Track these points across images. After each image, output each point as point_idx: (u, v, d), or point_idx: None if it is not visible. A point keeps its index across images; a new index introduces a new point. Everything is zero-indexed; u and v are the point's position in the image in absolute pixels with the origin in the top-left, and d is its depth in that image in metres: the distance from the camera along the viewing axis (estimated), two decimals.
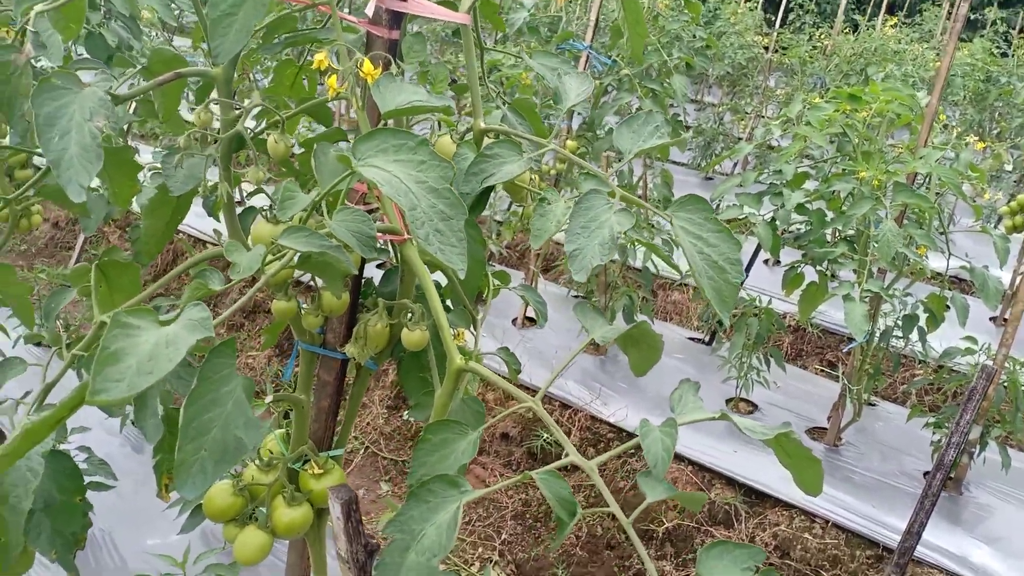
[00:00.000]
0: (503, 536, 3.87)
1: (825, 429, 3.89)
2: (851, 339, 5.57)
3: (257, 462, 1.30)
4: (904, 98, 3.03)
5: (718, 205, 5.26)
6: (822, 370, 4.87)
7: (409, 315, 1.16)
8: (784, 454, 0.90)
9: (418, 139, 0.87)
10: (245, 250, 0.97)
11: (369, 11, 1.10)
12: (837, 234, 3.34)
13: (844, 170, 3.04)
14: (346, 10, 1.25)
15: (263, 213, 1.16)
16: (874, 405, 4.21)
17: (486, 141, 1.23)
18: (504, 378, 1.03)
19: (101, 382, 0.71)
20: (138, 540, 2.85)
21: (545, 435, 4.07)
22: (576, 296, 5.18)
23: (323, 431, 1.41)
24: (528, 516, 3.97)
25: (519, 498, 4.07)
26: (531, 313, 5.02)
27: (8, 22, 1.37)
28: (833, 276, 3.59)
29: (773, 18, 10.49)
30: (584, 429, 4.12)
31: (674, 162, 8.86)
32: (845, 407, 3.67)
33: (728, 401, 4.11)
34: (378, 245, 0.97)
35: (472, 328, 1.34)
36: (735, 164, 8.13)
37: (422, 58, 1.28)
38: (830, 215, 3.17)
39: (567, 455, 0.88)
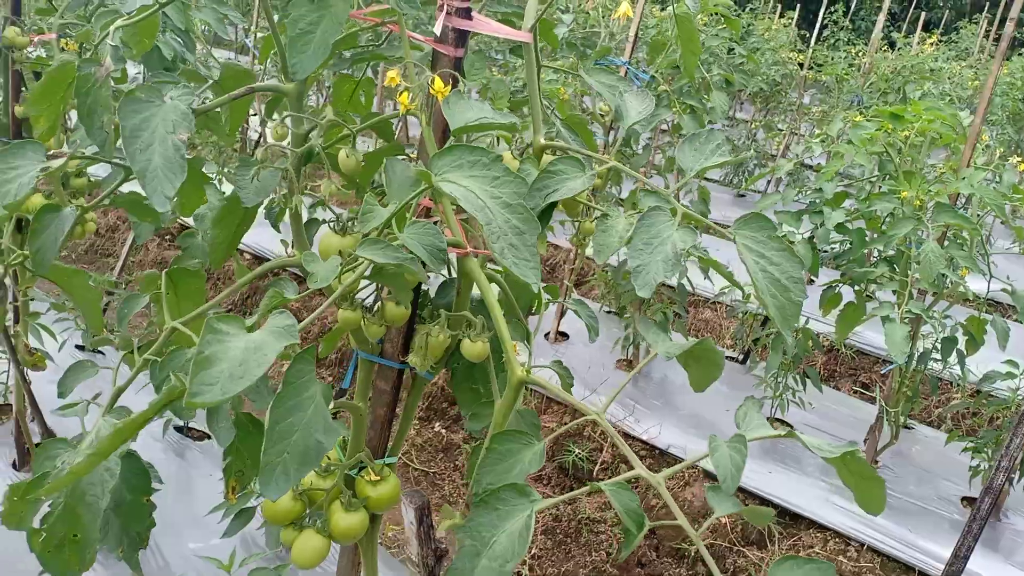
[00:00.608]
0: (532, 551, 3.88)
1: (861, 451, 3.85)
2: (887, 361, 5.54)
3: (315, 468, 1.33)
4: (946, 118, 3.02)
5: None
6: (857, 391, 4.83)
7: (469, 327, 1.19)
8: (847, 472, 0.91)
9: (492, 156, 0.90)
10: (320, 261, 1.00)
11: (437, 30, 1.13)
12: (877, 254, 3.32)
13: (885, 190, 3.03)
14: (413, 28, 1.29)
15: (331, 225, 1.19)
16: (911, 428, 4.17)
17: (545, 157, 1.25)
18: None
19: (197, 385, 0.74)
20: (180, 544, 2.89)
21: (577, 450, 4.07)
22: (608, 311, 5.19)
23: (379, 439, 1.43)
24: (558, 532, 3.97)
25: (549, 513, 4.07)
26: (563, 328, 5.03)
27: (85, 38, 1.42)
28: (870, 296, 3.57)
29: (807, 35, 10.47)
30: (617, 446, 4.12)
31: (706, 179, 8.86)
32: (882, 429, 3.64)
33: None
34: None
35: (526, 341, 1.36)
36: (768, 182, 8.10)
37: (483, 75, 1.31)
38: (870, 235, 3.15)
39: (632, 469, 0.90)
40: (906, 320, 2.90)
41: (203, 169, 1.37)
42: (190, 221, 1.83)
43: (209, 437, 3.49)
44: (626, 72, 3.91)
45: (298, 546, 1.32)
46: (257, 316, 1.03)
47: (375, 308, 1.25)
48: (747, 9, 11.39)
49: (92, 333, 1.44)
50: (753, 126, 8.77)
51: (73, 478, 0.90)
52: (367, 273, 1.03)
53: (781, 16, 11.68)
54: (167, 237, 6.23)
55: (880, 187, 3.08)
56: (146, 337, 1.33)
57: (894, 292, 3.16)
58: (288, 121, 1.19)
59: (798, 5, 11.61)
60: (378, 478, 1.35)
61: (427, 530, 1.04)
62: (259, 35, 6.32)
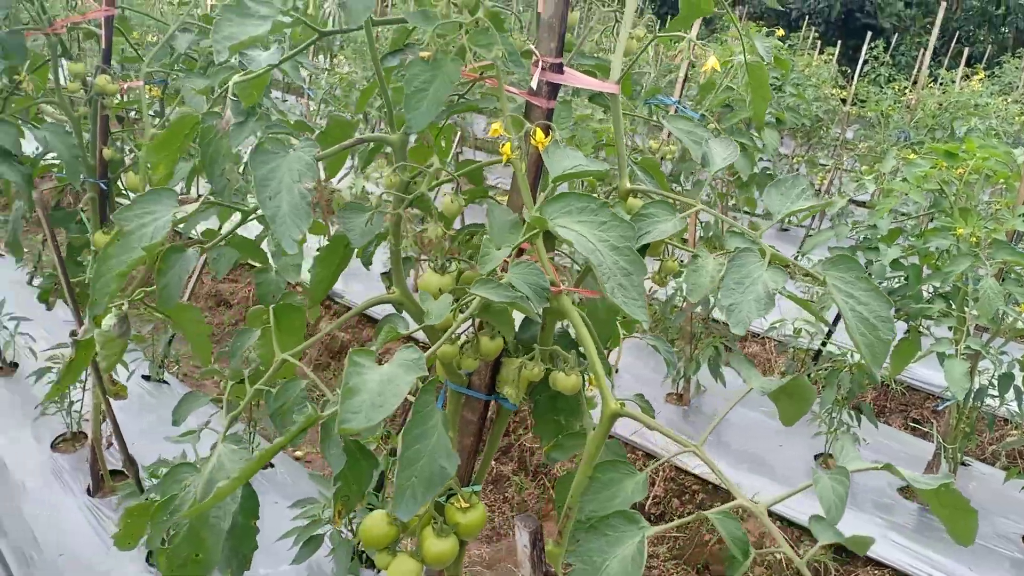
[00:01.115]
0: None
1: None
2: (938, 397, 5.49)
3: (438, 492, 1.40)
4: (1000, 155, 3.05)
5: (796, 257, 5.28)
6: (912, 427, 4.78)
7: (564, 361, 1.25)
8: (939, 504, 0.96)
9: (600, 202, 0.97)
10: (432, 299, 1.08)
11: (534, 84, 1.21)
12: (932, 290, 3.33)
13: (939, 226, 3.05)
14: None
15: (432, 265, 1.27)
16: (967, 465, 4.12)
17: (631, 200, 1.33)
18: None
19: (345, 413, 0.82)
20: (252, 571, 2.96)
21: None
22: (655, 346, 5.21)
23: (466, 467, 1.50)
24: None
25: None
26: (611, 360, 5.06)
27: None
28: (924, 332, 3.57)
29: (848, 70, 10.49)
30: (669, 480, 4.13)
31: (745, 212, 8.88)
32: (939, 466, 3.61)
33: (817, 457, 4.08)
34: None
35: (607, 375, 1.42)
36: (813, 217, 8.09)
37: (569, 124, 1.39)
38: (926, 271, 3.17)
39: (734, 498, 0.95)
40: (964, 356, 2.90)
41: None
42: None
43: (272, 465, 3.57)
44: (675, 110, 3.99)
45: (393, 569, 1.39)
46: (376, 346, 1.11)
47: (469, 342, 1.33)
48: (787, 45, 11.45)
49: (202, 364, 1.53)
50: (795, 161, 8.78)
51: (219, 499, 0.97)
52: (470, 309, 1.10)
53: (821, 52, 11.72)
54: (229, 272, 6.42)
55: (934, 223, 3.10)
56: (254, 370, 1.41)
57: (949, 328, 3.16)
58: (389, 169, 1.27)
59: (839, 42, 11.65)
60: (467, 505, 1.41)
61: (539, 554, 1.09)
62: (311, 76, 6.53)
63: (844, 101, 8.41)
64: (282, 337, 1.43)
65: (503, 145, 1.14)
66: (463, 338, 1.37)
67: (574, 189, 1.43)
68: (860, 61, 8.59)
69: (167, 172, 1.37)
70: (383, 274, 1.39)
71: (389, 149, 1.28)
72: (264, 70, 1.26)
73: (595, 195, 1.01)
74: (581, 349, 1.45)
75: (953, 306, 3.13)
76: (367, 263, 1.52)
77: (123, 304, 1.29)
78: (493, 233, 1.11)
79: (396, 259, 1.32)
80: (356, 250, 1.45)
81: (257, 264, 1.57)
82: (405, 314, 1.38)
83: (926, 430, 4.82)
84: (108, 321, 1.29)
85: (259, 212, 1.32)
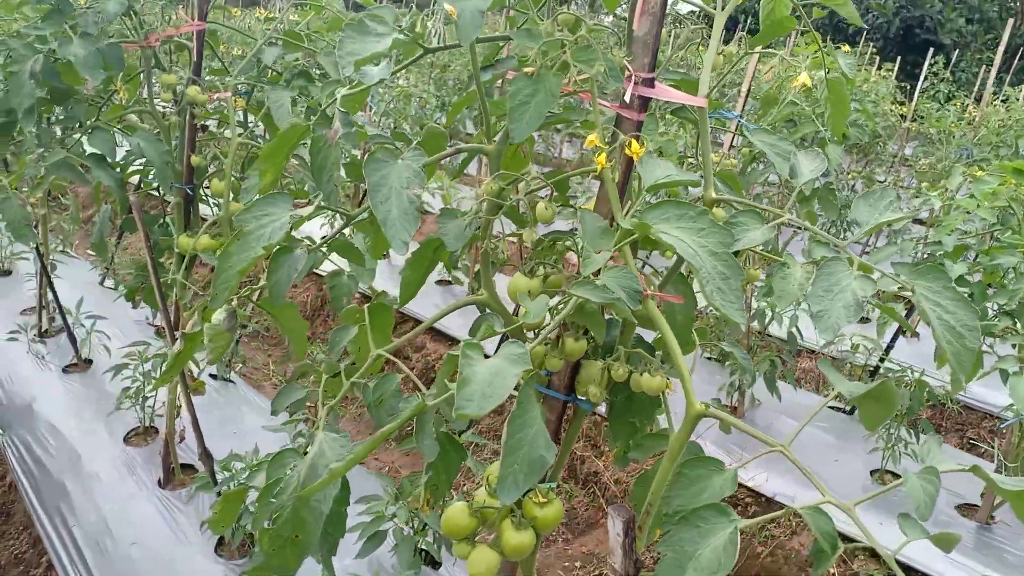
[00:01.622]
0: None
1: (975, 506, 3.78)
2: (995, 417, 5.39)
3: (487, 488, 1.46)
4: None
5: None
6: (972, 445, 4.71)
7: (647, 363, 1.31)
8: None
9: (698, 209, 1.03)
10: (529, 300, 1.14)
11: (627, 98, 1.28)
12: (996, 307, 3.30)
13: (1007, 244, 3.03)
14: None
15: (522, 268, 1.33)
16: None
17: (717, 211, 1.38)
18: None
19: (461, 400, 0.88)
20: (311, 564, 3.05)
21: None
22: (708, 358, 5.22)
23: None
24: None
25: (650, 555, 4.10)
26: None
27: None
28: (987, 350, 3.53)
29: (907, 86, 10.36)
30: None
31: (798, 227, 8.79)
32: None
33: (873, 472, 4.05)
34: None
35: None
36: (869, 235, 8.00)
37: (655, 136, 1.44)
38: (991, 289, 3.15)
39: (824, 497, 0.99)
40: None
41: None
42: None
43: None
44: (737, 125, 4.02)
45: (474, 558, 1.45)
46: (480, 344, 1.17)
47: (552, 344, 1.39)
48: None
49: (297, 358, 1.62)
50: (851, 177, 8.70)
51: (331, 480, 1.04)
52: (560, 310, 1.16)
53: (879, 68, 11.59)
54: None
55: (997, 241, 3.08)
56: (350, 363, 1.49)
57: (1013, 346, 3.13)
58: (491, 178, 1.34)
59: (898, 57, 11.51)
60: (545, 500, 1.47)
61: (631, 542, 1.15)
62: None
63: (903, 117, 8.32)
64: (375, 334, 1.50)
65: (597, 156, 1.20)
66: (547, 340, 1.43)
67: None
68: (921, 77, 8.49)
69: (274, 179, 1.46)
70: (474, 277, 1.45)
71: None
72: (374, 83, 1.34)
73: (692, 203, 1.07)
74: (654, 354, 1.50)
75: (1019, 324, 3.10)
76: (453, 267, 1.59)
77: (233, 300, 1.38)
78: (587, 239, 1.17)
79: (485, 263, 1.39)
80: (443, 253, 1.52)
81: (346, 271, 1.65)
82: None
83: (984, 447, 4.74)
84: (218, 316, 1.38)
85: (359, 218, 1.40)
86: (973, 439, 5.20)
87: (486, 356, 0.99)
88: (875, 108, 7.69)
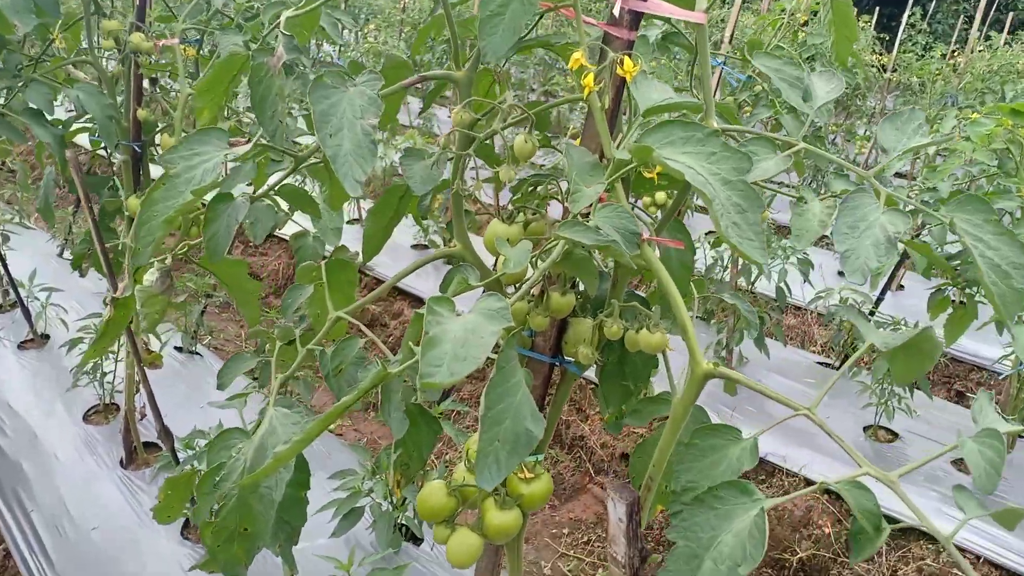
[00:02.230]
0: None
1: None
2: (982, 368, 5.32)
3: (467, 463, 1.30)
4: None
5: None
6: (962, 396, 4.62)
7: (647, 318, 1.15)
8: None
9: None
10: (510, 247, 0.97)
11: (616, 11, 1.10)
12: None
13: (1005, 188, 2.90)
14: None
15: (499, 214, 1.16)
16: (1022, 436, 3.97)
17: None
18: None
19: (426, 366, 0.71)
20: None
21: None
22: (695, 317, 5.09)
23: None
24: (650, 539, 3.89)
25: None
26: None
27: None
28: (979, 302, 3.42)
29: (885, 37, 10.19)
30: None
31: (779, 184, 8.67)
32: None
33: (866, 429, 3.95)
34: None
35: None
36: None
37: (647, 59, 1.27)
38: None
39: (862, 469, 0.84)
40: None
41: None
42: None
43: None
44: (720, 72, 3.84)
45: (453, 543, 1.29)
46: (451, 298, 1.00)
47: (535, 299, 1.22)
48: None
49: (251, 324, 1.43)
50: (832, 130, 8.55)
51: (278, 465, 0.88)
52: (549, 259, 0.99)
53: (857, 19, 11.39)
54: (251, 244, 6.34)
55: (1001, 185, 2.94)
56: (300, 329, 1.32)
57: None
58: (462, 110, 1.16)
59: (877, 8, 11.33)
60: (532, 475, 1.32)
61: (635, 528, 0.99)
62: (339, 49, 6.41)
63: (883, 68, 8.16)
64: (334, 295, 1.33)
65: (584, 77, 1.02)
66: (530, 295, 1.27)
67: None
68: (901, 27, 8.32)
69: (211, 117, 1.27)
70: (446, 226, 1.28)
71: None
72: (318, 3, 1.16)
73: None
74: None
75: None
76: (422, 216, 1.42)
77: (166, 259, 1.19)
78: (573, 174, 1.00)
79: (458, 209, 1.21)
80: (410, 203, 1.35)
81: (299, 226, 1.47)
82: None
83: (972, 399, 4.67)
84: (149, 277, 1.19)
85: (312, 161, 1.22)
86: (960, 392, 5.13)
87: (458, 314, 0.82)
88: (855, 59, 7.52)
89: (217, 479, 1.08)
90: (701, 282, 1.40)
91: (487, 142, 1.27)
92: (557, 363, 1.36)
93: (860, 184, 1.03)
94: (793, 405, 0.93)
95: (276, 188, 1.24)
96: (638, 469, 1.24)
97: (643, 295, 1.39)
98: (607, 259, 1.58)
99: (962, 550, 3.31)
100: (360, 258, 1.37)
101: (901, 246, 3.16)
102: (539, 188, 1.33)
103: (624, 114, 1.32)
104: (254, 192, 1.20)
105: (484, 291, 0.83)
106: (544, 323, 1.20)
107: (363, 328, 1.12)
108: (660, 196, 1.21)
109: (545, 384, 1.39)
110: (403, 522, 2.65)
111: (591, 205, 0.99)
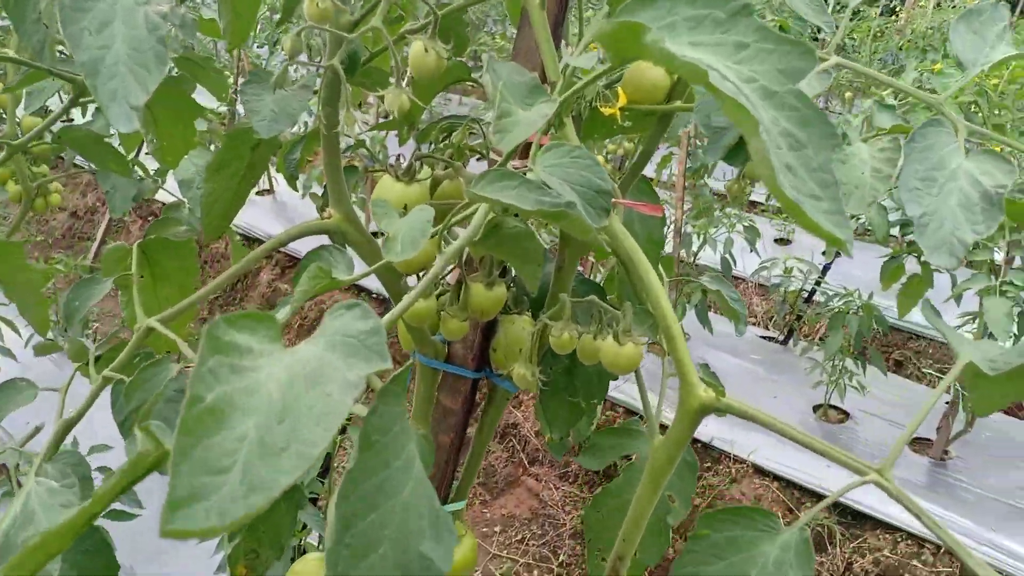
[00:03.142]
0: (560, 557, 3.50)
1: (927, 441, 3.48)
2: (920, 336, 5.18)
3: None
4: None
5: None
6: (929, 374, 4.44)
7: (608, 323, 0.78)
8: None
9: (732, 4, 0.48)
10: (397, 216, 0.59)
11: None
12: None
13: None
14: None
15: (390, 169, 0.78)
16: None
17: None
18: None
19: (183, 489, 0.33)
20: (160, 573, 2.49)
21: None
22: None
23: (441, 476, 1.02)
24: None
25: (577, 515, 3.69)
26: None
27: None
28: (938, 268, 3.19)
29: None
30: None
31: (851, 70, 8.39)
32: (955, 416, 3.27)
33: (816, 408, 3.71)
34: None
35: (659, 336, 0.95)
36: None
37: None
38: None
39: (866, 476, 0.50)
40: (1008, 294, 2.51)
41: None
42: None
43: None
44: None
45: None
46: (287, 311, 0.62)
47: (449, 294, 0.84)
48: None
49: (38, 332, 1.00)
50: None
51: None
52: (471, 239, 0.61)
53: None
54: (149, 217, 5.76)
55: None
56: (112, 340, 0.92)
57: (969, 264, 2.78)
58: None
59: None
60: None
61: None
62: None
63: (817, 32, 7.96)
64: (158, 289, 0.93)
65: None
66: (441, 287, 0.89)
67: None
68: None
69: None
70: (321, 194, 0.89)
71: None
72: None
73: None
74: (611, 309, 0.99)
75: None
76: (291, 174, 1.02)
77: None
78: (502, 96, 0.62)
79: (333, 160, 0.82)
80: (270, 156, 0.95)
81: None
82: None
83: (911, 369, 4.51)
84: None
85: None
86: (899, 361, 4.98)
87: (287, 346, 0.44)
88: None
89: None
90: (670, 262, 1.05)
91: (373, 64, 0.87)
92: (484, 377, 0.99)
93: (935, 116, 0.68)
94: (857, 467, 0.58)
95: (56, 132, 0.82)
96: (596, 531, 0.88)
97: (596, 282, 1.03)
98: (548, 230, 1.20)
99: (921, 539, 3.10)
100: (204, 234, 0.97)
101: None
102: (454, 136, 0.95)
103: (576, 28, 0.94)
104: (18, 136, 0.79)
105: (387, 302, 0.45)
106: (462, 329, 0.83)
107: (183, 345, 0.72)
108: (628, 145, 0.84)
109: (467, 406, 1.01)
110: None
111: (528, 149, 0.62)
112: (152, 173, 1.59)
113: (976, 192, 0.63)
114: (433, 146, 0.97)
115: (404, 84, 0.69)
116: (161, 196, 2.25)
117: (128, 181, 1.36)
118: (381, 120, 1.32)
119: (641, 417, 1.00)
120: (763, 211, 6.46)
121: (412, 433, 0.49)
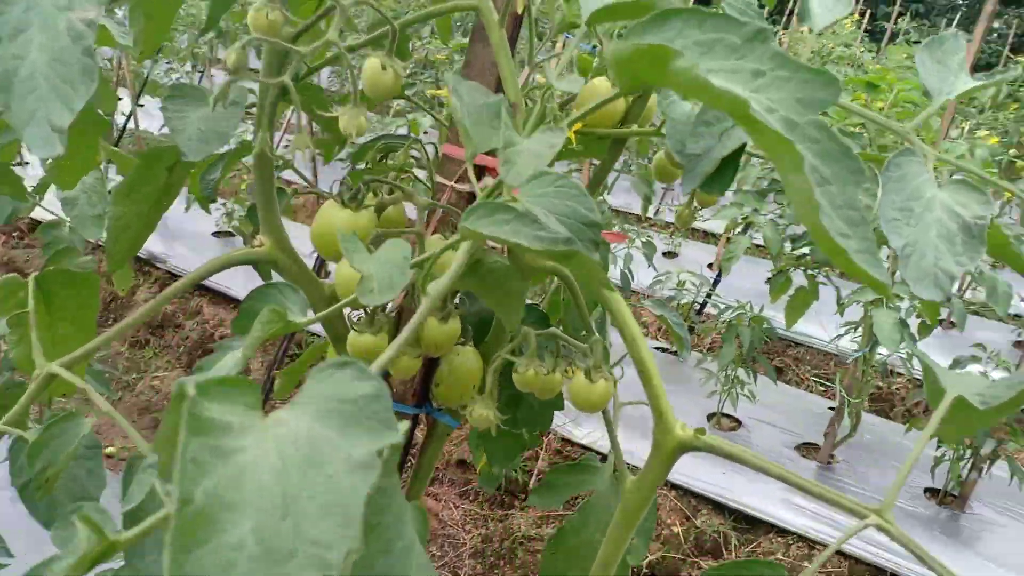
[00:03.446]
0: None
1: (815, 446, 3.62)
2: (799, 344, 5.42)
3: None
4: (920, 86, 2.78)
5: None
6: (818, 383, 4.62)
7: (564, 360, 0.74)
8: None
9: (747, 28, 0.45)
10: (367, 252, 0.53)
11: None
12: None
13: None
14: None
15: (337, 196, 0.71)
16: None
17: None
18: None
19: None
20: None
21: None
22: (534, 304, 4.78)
23: None
24: (489, 553, 3.56)
25: (478, 534, 3.63)
26: None
27: None
28: (823, 282, 3.33)
29: None
30: (555, 452, 3.72)
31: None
32: (841, 421, 3.41)
33: (710, 417, 3.80)
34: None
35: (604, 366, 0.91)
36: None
37: None
38: None
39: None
40: (892, 306, 2.64)
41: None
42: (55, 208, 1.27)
43: None
44: None
45: None
46: (244, 351, 0.54)
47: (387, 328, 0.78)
48: None
49: None
50: None
51: None
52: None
53: None
54: (14, 233, 5.32)
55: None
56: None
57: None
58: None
59: None
60: None
61: None
62: None
63: None
64: (55, 326, 0.82)
65: None
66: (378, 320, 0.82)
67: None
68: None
69: None
70: (247, 214, 0.81)
71: None
72: None
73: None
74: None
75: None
76: (207, 198, 0.93)
77: None
78: (468, 126, 0.57)
79: (266, 185, 0.74)
80: (187, 177, 0.86)
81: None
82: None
83: (790, 375, 4.70)
84: None
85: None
86: (779, 368, 5.18)
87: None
88: None
89: None
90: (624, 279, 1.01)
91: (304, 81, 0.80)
92: (424, 412, 0.93)
93: (904, 146, 0.67)
94: (856, 510, 0.56)
95: None
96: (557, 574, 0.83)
97: (538, 308, 0.99)
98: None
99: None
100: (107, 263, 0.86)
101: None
102: (397, 157, 0.88)
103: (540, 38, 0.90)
104: None
105: (332, 360, 0.39)
106: (414, 366, 0.76)
107: (94, 395, 0.63)
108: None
109: (405, 447, 0.95)
110: None
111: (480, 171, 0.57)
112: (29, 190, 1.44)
113: (955, 224, 0.62)
114: (368, 166, 0.90)
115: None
116: (35, 213, 2.06)
117: (3, 198, 1.22)
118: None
119: (587, 448, 0.96)
120: (652, 225, 6.62)
121: (408, 507, 0.43)
